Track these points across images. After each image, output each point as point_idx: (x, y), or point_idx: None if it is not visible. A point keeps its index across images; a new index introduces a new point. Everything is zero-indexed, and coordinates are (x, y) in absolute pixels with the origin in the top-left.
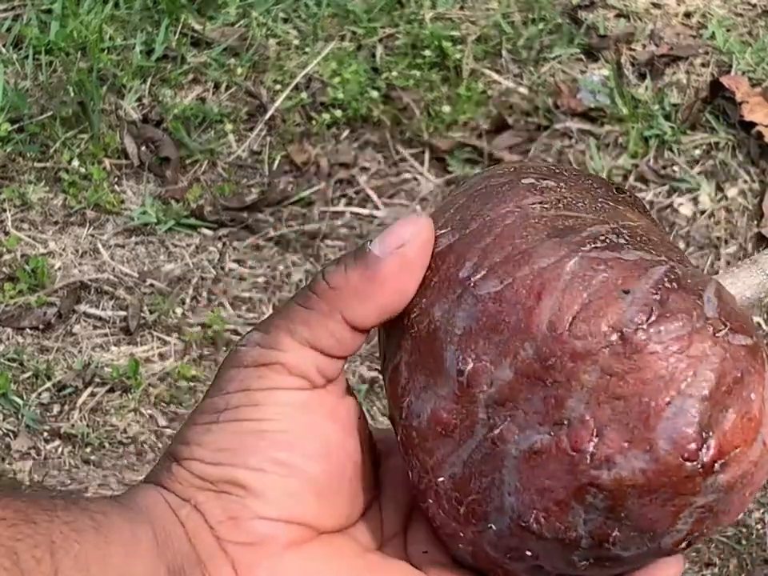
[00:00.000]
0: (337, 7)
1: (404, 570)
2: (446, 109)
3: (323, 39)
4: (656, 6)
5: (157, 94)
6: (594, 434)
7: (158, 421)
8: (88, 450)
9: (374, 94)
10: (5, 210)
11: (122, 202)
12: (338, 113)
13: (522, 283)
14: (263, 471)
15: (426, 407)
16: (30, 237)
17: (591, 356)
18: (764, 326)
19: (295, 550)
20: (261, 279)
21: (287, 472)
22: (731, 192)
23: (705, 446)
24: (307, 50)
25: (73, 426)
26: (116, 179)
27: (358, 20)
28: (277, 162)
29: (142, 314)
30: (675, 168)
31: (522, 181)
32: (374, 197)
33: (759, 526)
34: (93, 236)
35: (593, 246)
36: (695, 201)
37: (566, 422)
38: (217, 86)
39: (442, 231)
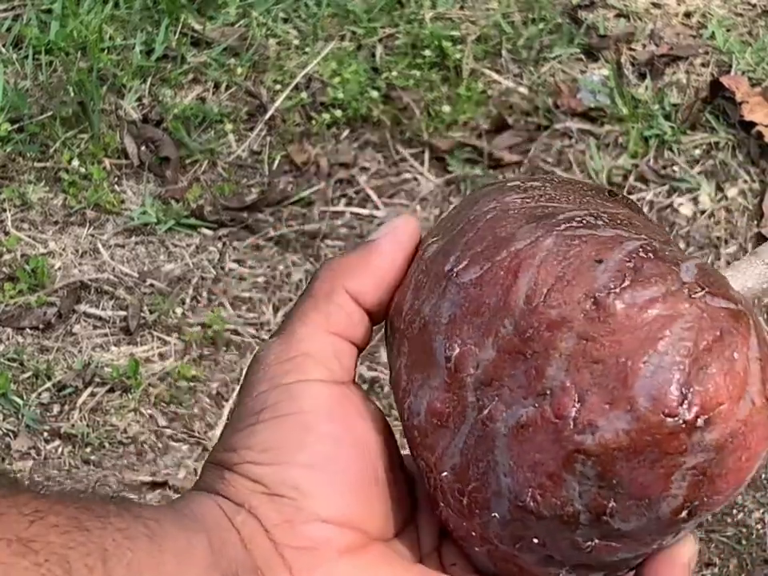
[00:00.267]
0: (337, 7)
1: None
2: (446, 109)
3: (323, 39)
4: (656, 5)
5: (157, 94)
6: (576, 399)
7: (157, 421)
8: (88, 449)
9: (374, 93)
10: (5, 210)
11: (122, 201)
12: (338, 113)
13: (500, 265)
14: (314, 468)
15: (423, 402)
16: (29, 237)
17: (566, 323)
18: (764, 325)
19: (350, 556)
20: (261, 279)
21: (335, 467)
22: (731, 192)
23: (686, 401)
24: (307, 49)
25: (73, 425)
26: (116, 179)
27: (358, 20)
28: (277, 162)
29: (142, 314)
30: (675, 168)
31: (508, 184)
32: (374, 197)
33: (759, 526)
34: (93, 236)
35: (568, 225)
36: (695, 201)
37: (548, 392)
38: (217, 86)
39: (433, 239)
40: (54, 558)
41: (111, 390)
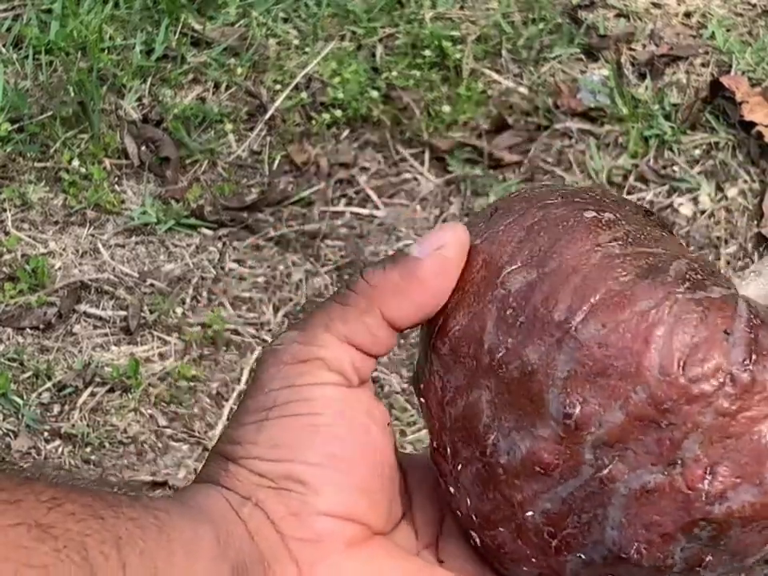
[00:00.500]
0: (337, 7)
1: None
2: (446, 109)
3: (323, 39)
4: (656, 5)
5: (157, 94)
6: (708, 471)
7: (158, 421)
8: (88, 449)
9: (374, 93)
10: (5, 210)
11: (122, 201)
12: (338, 113)
13: (626, 327)
14: (321, 466)
15: (520, 447)
16: (30, 237)
17: (706, 398)
18: None
19: (355, 549)
20: (261, 279)
21: (342, 467)
22: (731, 192)
23: None
24: (307, 49)
25: (73, 425)
26: (116, 179)
27: (358, 20)
28: (277, 162)
29: (142, 314)
30: (675, 168)
31: (585, 215)
32: (374, 197)
33: None
34: (93, 236)
35: (684, 286)
36: (695, 201)
37: (679, 462)
38: (217, 86)
39: (513, 267)
40: (71, 544)
41: (111, 390)
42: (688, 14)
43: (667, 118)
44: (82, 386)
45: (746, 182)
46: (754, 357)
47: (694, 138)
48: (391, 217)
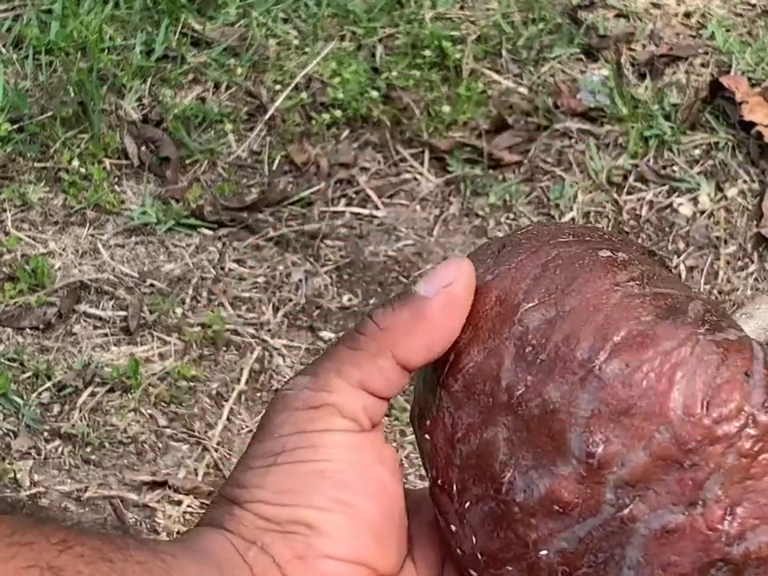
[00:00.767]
0: (337, 7)
1: None
2: (446, 109)
3: (323, 39)
4: (656, 6)
5: (157, 94)
6: (728, 512)
7: (158, 421)
8: (88, 449)
9: (374, 94)
10: (5, 210)
11: (122, 202)
12: (338, 113)
13: (650, 367)
14: (327, 510)
15: (538, 485)
16: (30, 237)
17: (729, 439)
18: None
19: None
20: (261, 279)
21: (349, 511)
22: (731, 192)
23: None
24: (307, 49)
25: (73, 425)
26: (116, 179)
27: (358, 20)
28: (277, 162)
29: (142, 314)
30: (675, 168)
31: (600, 254)
32: (374, 197)
33: None
34: (93, 236)
35: (705, 328)
36: (695, 201)
37: (701, 502)
38: (217, 86)
39: (530, 304)
40: None
41: (111, 390)
42: (688, 14)
43: (667, 118)
44: (82, 385)
45: (745, 182)
46: None
47: (694, 138)
48: (391, 217)
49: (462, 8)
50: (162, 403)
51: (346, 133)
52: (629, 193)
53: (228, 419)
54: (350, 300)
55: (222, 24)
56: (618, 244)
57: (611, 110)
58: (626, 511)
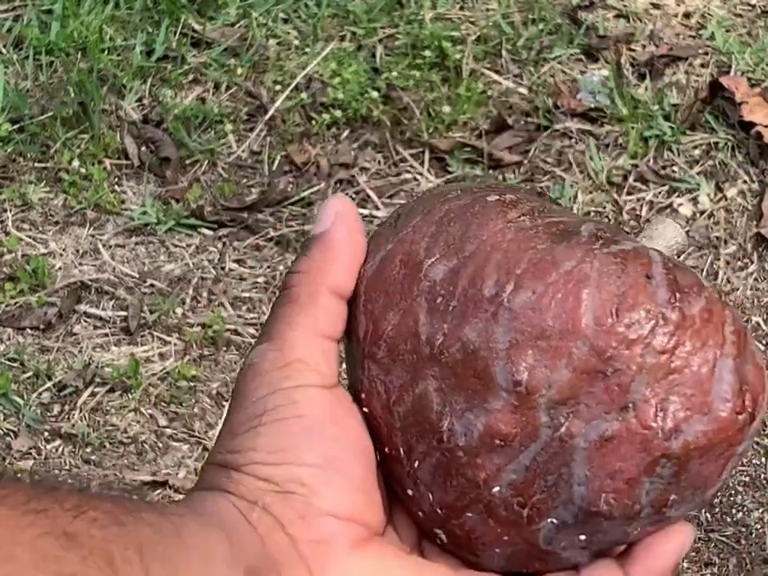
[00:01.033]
0: (337, 7)
1: (445, 571)
2: (446, 109)
3: (323, 39)
4: (655, 6)
5: (157, 94)
6: (659, 409)
7: (158, 421)
8: (88, 449)
9: (374, 94)
10: (5, 210)
11: (123, 202)
12: (338, 113)
13: (555, 289)
14: (320, 467)
15: (476, 424)
16: (30, 237)
17: (644, 340)
18: (763, 325)
19: (361, 549)
20: (261, 279)
21: (339, 467)
22: (731, 192)
23: (745, 397)
24: (307, 50)
25: (73, 425)
26: (116, 179)
27: (358, 20)
28: (277, 162)
29: (143, 314)
30: (675, 168)
31: (488, 199)
32: (374, 197)
33: (759, 526)
34: (93, 236)
35: (599, 243)
36: (695, 201)
37: (631, 405)
38: (217, 86)
39: (432, 259)
40: (97, 551)
41: (111, 390)
42: (687, 15)
43: (667, 118)
44: (82, 386)
45: (745, 182)
46: (678, 295)
47: (694, 139)
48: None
49: (461, 8)
50: (163, 403)
51: (346, 133)
52: (629, 193)
53: (223, 425)
54: None
55: (222, 24)
56: (505, 189)
57: (611, 110)
58: (563, 429)
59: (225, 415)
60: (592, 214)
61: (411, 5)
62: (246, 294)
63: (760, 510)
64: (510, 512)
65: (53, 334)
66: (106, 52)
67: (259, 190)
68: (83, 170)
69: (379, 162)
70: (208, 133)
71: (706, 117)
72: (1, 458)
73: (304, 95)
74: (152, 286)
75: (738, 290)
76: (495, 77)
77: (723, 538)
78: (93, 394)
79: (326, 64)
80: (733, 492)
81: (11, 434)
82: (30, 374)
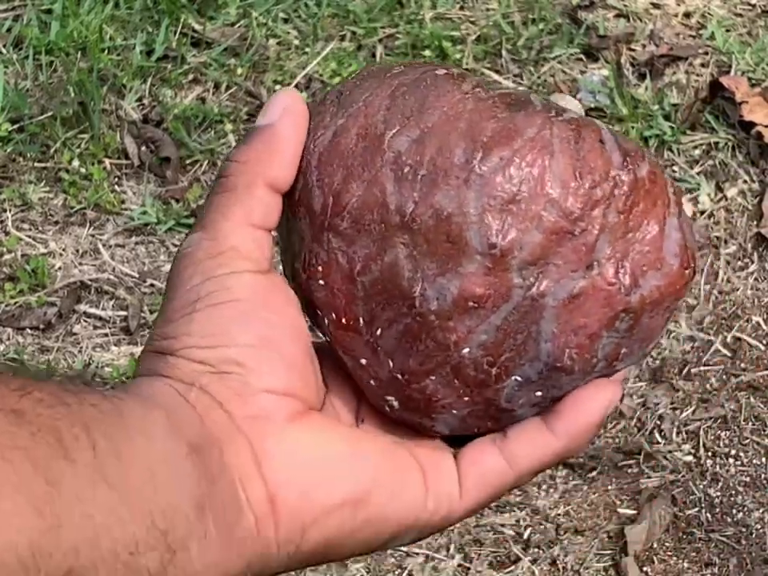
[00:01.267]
0: (337, 7)
1: (387, 440)
2: None
3: (323, 39)
4: (656, 6)
5: (157, 94)
6: (620, 265)
7: None
8: None
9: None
10: (5, 210)
11: (123, 202)
12: None
13: (522, 154)
14: (254, 347)
15: (449, 288)
16: (30, 237)
17: (606, 200)
18: (763, 325)
19: (299, 422)
20: None
21: (273, 347)
22: (731, 192)
23: (691, 255)
24: (307, 49)
25: None
26: (116, 179)
27: (358, 20)
28: None
29: (143, 314)
30: (675, 168)
31: (437, 73)
32: None
33: (759, 526)
34: (93, 236)
35: (553, 112)
36: (695, 201)
37: (596, 263)
38: (217, 86)
39: (393, 131)
40: (44, 428)
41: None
42: (688, 15)
43: (667, 118)
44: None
45: (745, 182)
46: (628, 158)
47: (694, 138)
48: None
49: (461, 8)
50: None
51: None
52: None
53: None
54: None
55: (222, 24)
56: (445, 64)
57: (611, 110)
58: (534, 289)
59: (160, 304)
60: None
61: (411, 5)
62: None
63: (760, 510)
64: (479, 371)
65: (53, 333)
66: (106, 52)
67: None
68: (83, 170)
69: None
70: (208, 133)
71: (706, 117)
72: None
73: (304, 95)
74: (152, 285)
75: (738, 289)
76: (495, 76)
77: (723, 538)
78: None
79: (326, 64)
80: (733, 492)
81: None
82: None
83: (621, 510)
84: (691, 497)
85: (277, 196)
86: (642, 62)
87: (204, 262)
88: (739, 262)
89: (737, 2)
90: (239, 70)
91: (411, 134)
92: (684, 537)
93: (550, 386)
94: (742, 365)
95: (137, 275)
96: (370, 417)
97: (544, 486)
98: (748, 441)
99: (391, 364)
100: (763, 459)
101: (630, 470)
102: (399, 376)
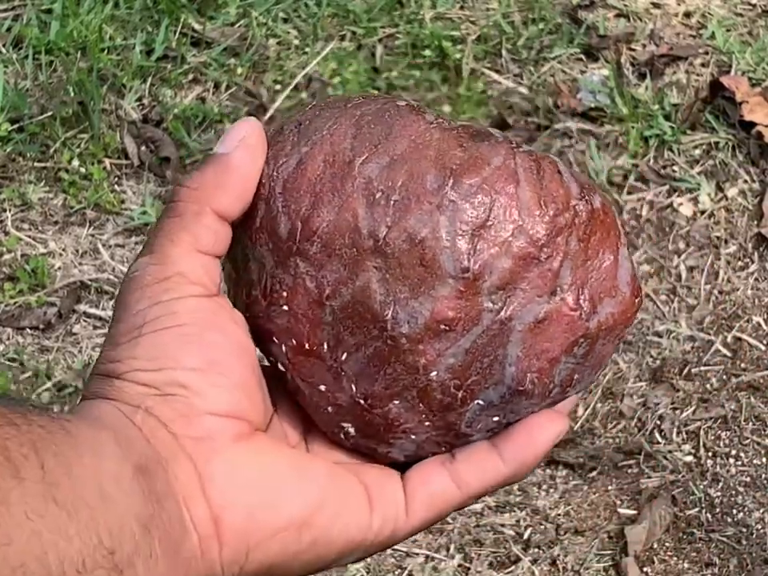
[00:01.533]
0: (337, 7)
1: (325, 464)
2: (446, 108)
3: (323, 39)
4: (656, 5)
5: (157, 94)
6: (581, 292)
7: None
8: None
9: (374, 93)
10: (5, 210)
11: (122, 201)
12: None
13: (491, 182)
14: (199, 370)
15: (421, 311)
16: (30, 237)
17: (568, 228)
18: (764, 325)
19: (243, 443)
20: None
21: (219, 369)
22: (731, 192)
23: (636, 282)
24: (307, 49)
25: None
26: (116, 179)
27: (358, 20)
28: None
29: None
30: (675, 168)
31: (399, 104)
32: None
33: (759, 526)
34: (93, 236)
35: (514, 143)
36: (695, 201)
37: (559, 289)
38: (217, 86)
39: (362, 158)
40: None
41: None
42: (688, 14)
43: (667, 118)
44: (82, 385)
45: (746, 181)
46: (584, 189)
47: (694, 138)
48: None
49: (462, 8)
50: None
51: None
52: (629, 193)
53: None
54: None
55: (222, 24)
56: (402, 97)
57: (611, 109)
58: (502, 313)
59: (110, 326)
60: None
61: (411, 4)
62: None
63: (761, 511)
64: (445, 394)
65: (52, 333)
66: (106, 51)
67: None
68: (83, 170)
69: None
70: (208, 132)
71: (706, 116)
72: None
73: (304, 95)
74: None
75: (738, 289)
76: (495, 76)
77: (724, 539)
78: None
79: (326, 63)
80: (733, 492)
81: None
82: (29, 374)
83: (621, 510)
84: (691, 497)
85: (225, 224)
86: (642, 61)
87: (151, 286)
88: (739, 262)
89: (737, 1)
90: (239, 70)
91: (381, 161)
92: (684, 537)
93: (509, 410)
94: (742, 365)
95: None
96: (317, 437)
97: (544, 486)
98: (748, 441)
99: (354, 389)
100: (763, 459)
101: (630, 470)
102: (362, 401)
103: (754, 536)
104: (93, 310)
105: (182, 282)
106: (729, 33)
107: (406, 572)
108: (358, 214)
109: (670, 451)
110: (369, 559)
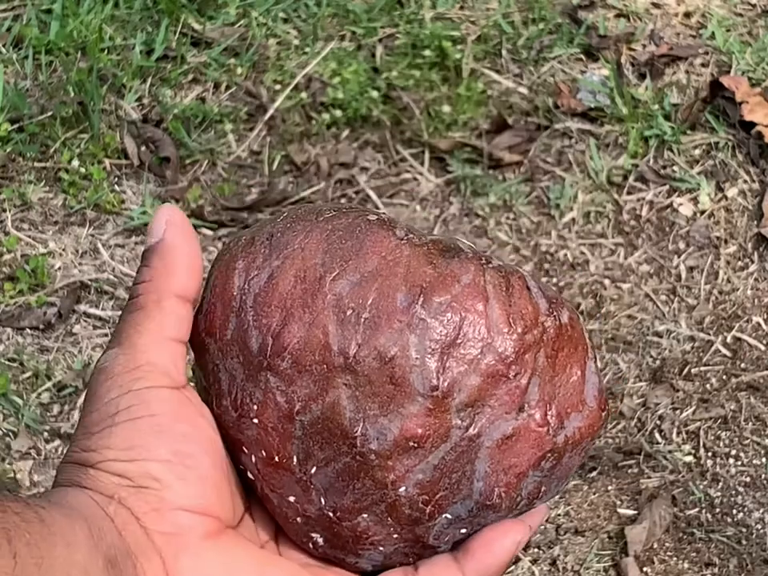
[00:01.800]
0: (337, 7)
1: (292, 566)
2: (446, 109)
3: (323, 39)
4: (656, 5)
5: (157, 94)
6: (548, 408)
7: None
8: None
9: (374, 93)
10: (5, 210)
11: (122, 201)
12: (338, 113)
13: (461, 300)
14: (170, 463)
15: (390, 429)
16: (30, 237)
17: (536, 345)
18: (763, 325)
19: (212, 540)
20: None
21: (189, 463)
22: (731, 192)
23: (603, 396)
24: (307, 50)
25: (73, 425)
26: (116, 179)
27: (358, 20)
28: (277, 162)
29: None
30: (675, 168)
31: (369, 218)
32: (374, 197)
33: (759, 526)
34: (93, 236)
35: (483, 260)
36: (695, 201)
37: (526, 406)
38: (217, 86)
39: (333, 274)
40: None
41: None
42: (688, 14)
43: (667, 118)
44: (82, 386)
45: (745, 182)
46: (552, 304)
47: (694, 138)
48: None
49: (461, 8)
50: None
51: (346, 133)
52: (629, 193)
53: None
54: None
55: (222, 24)
56: (372, 210)
57: (611, 110)
58: (471, 430)
59: (78, 418)
60: (592, 213)
61: (411, 4)
62: None
63: (761, 511)
64: (413, 509)
65: (52, 333)
66: (106, 51)
67: (259, 189)
68: (83, 170)
69: (379, 161)
70: (208, 132)
71: (706, 116)
72: (0, 459)
73: (304, 95)
74: None
75: (738, 289)
76: (495, 76)
77: (724, 539)
78: None
79: (325, 64)
80: (733, 492)
81: (11, 434)
82: (29, 374)
83: (621, 510)
84: (691, 497)
85: (187, 305)
86: (641, 61)
87: (121, 375)
88: (739, 262)
89: (737, 1)
90: (239, 70)
91: (351, 278)
92: (684, 537)
93: (476, 523)
94: (742, 365)
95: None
96: (286, 535)
97: None
98: (748, 441)
99: (323, 501)
100: (763, 459)
101: (630, 470)
102: (331, 513)
103: (754, 536)
104: (93, 310)
105: (152, 370)
106: (729, 33)
107: None
108: (329, 331)
109: (669, 451)
110: None
